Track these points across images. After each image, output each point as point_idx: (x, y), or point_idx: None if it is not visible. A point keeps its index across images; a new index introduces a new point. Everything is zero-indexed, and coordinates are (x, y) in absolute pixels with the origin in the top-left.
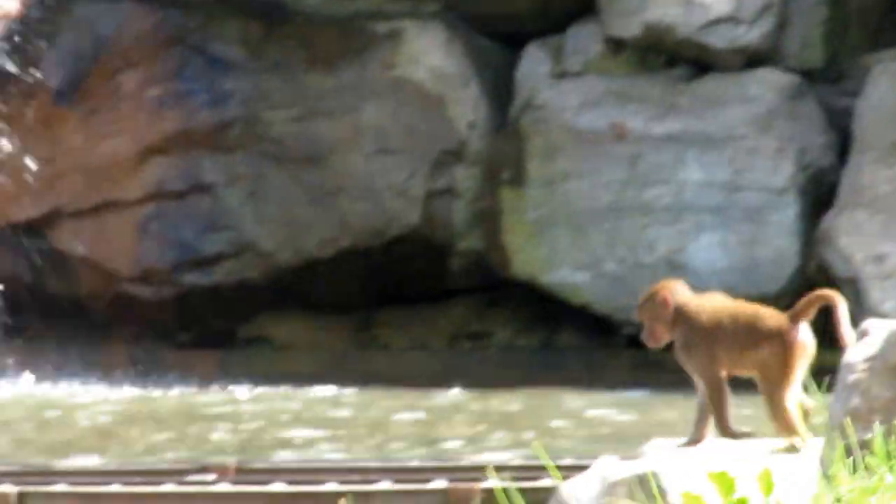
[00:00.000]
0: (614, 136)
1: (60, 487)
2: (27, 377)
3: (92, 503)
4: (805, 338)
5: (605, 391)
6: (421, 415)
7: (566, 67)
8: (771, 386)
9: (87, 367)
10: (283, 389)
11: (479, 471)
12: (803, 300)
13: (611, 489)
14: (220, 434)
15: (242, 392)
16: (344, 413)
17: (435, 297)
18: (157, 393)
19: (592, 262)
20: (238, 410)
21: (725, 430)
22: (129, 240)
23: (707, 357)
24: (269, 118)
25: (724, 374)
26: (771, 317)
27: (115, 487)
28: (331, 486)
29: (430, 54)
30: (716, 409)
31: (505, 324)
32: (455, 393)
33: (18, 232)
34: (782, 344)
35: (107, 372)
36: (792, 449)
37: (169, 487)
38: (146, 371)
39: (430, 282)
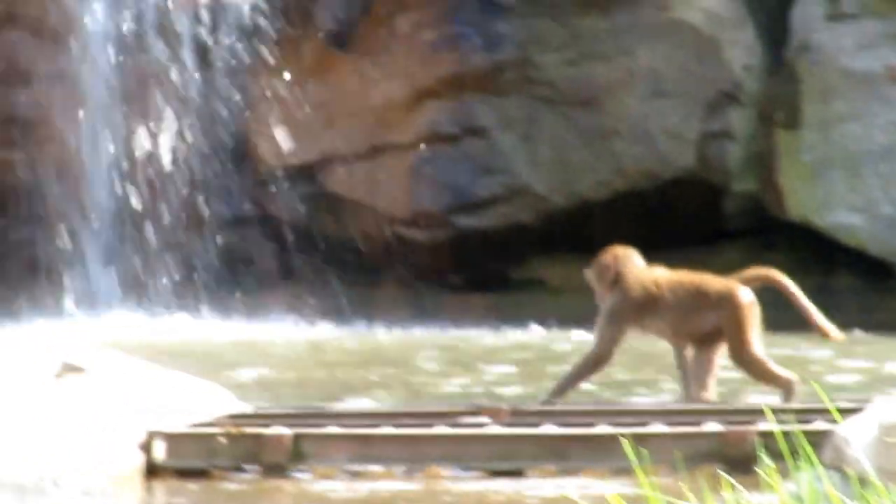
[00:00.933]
0: (890, 79)
1: (333, 429)
2: (300, 319)
3: (364, 445)
4: (749, 298)
5: (881, 334)
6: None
7: (842, 9)
8: (734, 349)
9: (360, 310)
10: (556, 332)
11: (752, 413)
12: (751, 272)
13: (888, 431)
14: (492, 376)
15: (515, 334)
16: (617, 356)
17: (709, 239)
18: (430, 335)
19: (868, 205)
20: (511, 352)
21: (558, 392)
22: (403, 183)
23: (620, 331)
24: (542, 61)
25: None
26: (716, 282)
27: (388, 429)
28: (603, 429)
29: None
30: (576, 374)
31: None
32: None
33: (293, 175)
34: (732, 308)
35: (379, 314)
36: (790, 389)
37: (441, 430)
38: (419, 313)
39: (704, 224)
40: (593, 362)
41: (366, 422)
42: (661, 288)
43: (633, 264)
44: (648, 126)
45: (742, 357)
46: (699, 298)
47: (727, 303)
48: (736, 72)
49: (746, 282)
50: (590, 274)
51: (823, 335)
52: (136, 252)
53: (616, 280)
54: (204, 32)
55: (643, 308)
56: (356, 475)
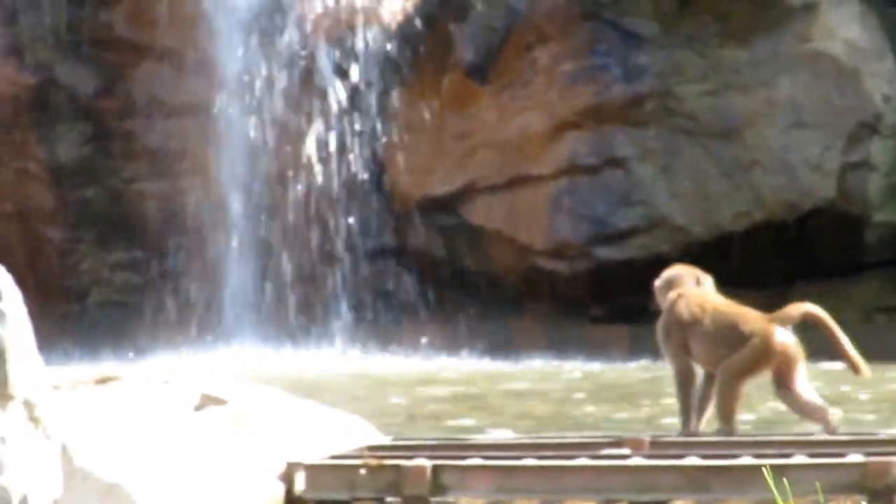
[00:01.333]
0: None
1: (474, 461)
2: (440, 350)
3: (505, 477)
4: (783, 341)
5: None
6: (834, 389)
7: None
8: (728, 372)
9: (500, 341)
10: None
11: (895, 444)
12: (790, 308)
13: None
14: (632, 406)
15: (655, 365)
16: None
17: (849, 269)
18: (570, 366)
19: None
20: (651, 383)
21: (686, 423)
22: (542, 214)
23: (677, 346)
24: (682, 92)
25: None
26: (753, 320)
27: (529, 461)
28: (745, 460)
29: (845, 27)
30: (681, 400)
31: None
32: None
33: (433, 207)
34: (762, 342)
35: (519, 346)
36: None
37: (583, 461)
38: (559, 344)
39: (844, 255)
40: (680, 381)
41: (506, 453)
42: (705, 312)
43: (690, 284)
44: (788, 157)
45: (723, 377)
46: (733, 333)
47: (758, 339)
48: (876, 102)
49: (786, 320)
50: (656, 294)
51: (853, 369)
52: (277, 285)
53: (670, 300)
54: (344, 66)
55: (685, 329)
56: None
